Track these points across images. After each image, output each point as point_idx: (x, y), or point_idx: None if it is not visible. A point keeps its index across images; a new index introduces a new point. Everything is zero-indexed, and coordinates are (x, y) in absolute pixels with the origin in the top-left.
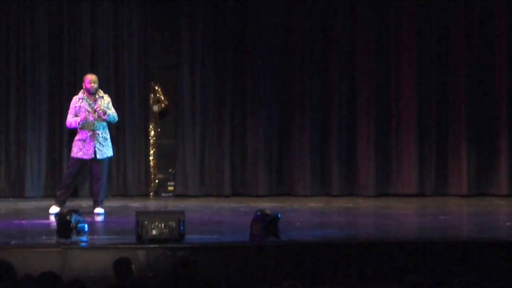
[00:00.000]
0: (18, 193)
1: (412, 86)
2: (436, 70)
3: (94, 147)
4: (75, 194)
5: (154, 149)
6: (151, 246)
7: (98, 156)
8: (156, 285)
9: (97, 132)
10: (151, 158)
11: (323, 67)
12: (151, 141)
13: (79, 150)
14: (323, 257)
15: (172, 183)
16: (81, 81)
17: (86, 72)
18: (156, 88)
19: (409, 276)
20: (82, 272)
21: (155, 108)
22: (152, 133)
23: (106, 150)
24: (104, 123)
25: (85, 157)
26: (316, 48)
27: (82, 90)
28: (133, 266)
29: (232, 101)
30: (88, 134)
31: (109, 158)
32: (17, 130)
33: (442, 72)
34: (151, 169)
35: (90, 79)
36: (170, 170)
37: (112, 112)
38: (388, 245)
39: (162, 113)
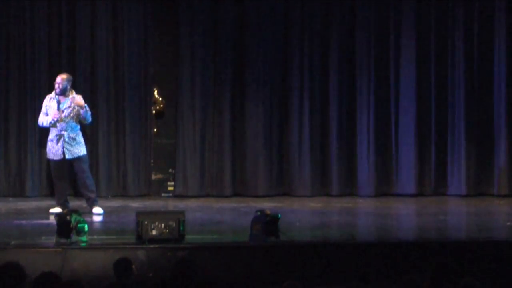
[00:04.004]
0: (18, 193)
1: (412, 86)
2: (436, 69)
3: (63, 148)
4: (74, 194)
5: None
6: (151, 246)
7: (67, 156)
8: (156, 285)
9: (63, 132)
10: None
11: (322, 67)
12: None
13: (49, 151)
14: (323, 257)
15: (172, 183)
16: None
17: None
18: (153, 89)
19: (409, 276)
20: (82, 272)
21: (152, 109)
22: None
23: (76, 150)
24: (73, 124)
25: (55, 158)
26: (316, 48)
27: (54, 90)
28: (133, 266)
29: (232, 101)
30: (55, 135)
31: (83, 157)
32: (17, 130)
33: (442, 72)
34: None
35: (57, 80)
36: (170, 170)
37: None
38: (388, 245)
39: (159, 114)
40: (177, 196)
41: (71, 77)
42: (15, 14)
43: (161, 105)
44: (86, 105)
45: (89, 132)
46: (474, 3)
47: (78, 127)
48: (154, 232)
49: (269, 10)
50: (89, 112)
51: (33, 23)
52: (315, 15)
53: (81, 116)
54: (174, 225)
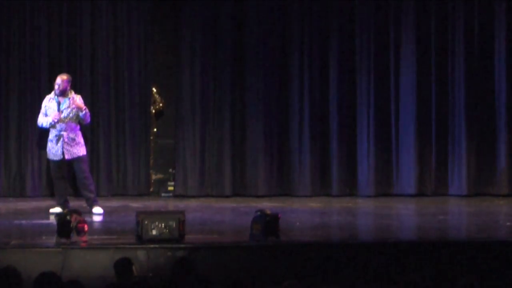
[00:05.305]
0: (19, 193)
1: (412, 86)
2: (436, 69)
3: (62, 148)
4: (74, 194)
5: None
6: (151, 246)
7: (66, 157)
8: (156, 285)
9: (63, 133)
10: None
11: (322, 67)
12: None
13: (49, 151)
14: (323, 257)
15: (172, 183)
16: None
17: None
18: (152, 88)
19: (409, 276)
20: (82, 272)
21: (151, 108)
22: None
23: (75, 150)
24: (73, 124)
25: (54, 158)
26: (315, 48)
27: (54, 90)
28: (134, 267)
29: (232, 101)
30: (55, 135)
31: (82, 157)
32: (17, 130)
33: (442, 72)
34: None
35: (57, 81)
36: (170, 170)
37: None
38: (388, 245)
39: (158, 114)
40: (177, 196)
41: (70, 78)
42: (15, 14)
43: (160, 105)
44: (85, 107)
45: (89, 132)
46: (474, 3)
47: (78, 127)
48: (154, 232)
49: (269, 10)
50: (88, 114)
51: (33, 23)
52: (314, 15)
53: (80, 117)
54: (174, 225)
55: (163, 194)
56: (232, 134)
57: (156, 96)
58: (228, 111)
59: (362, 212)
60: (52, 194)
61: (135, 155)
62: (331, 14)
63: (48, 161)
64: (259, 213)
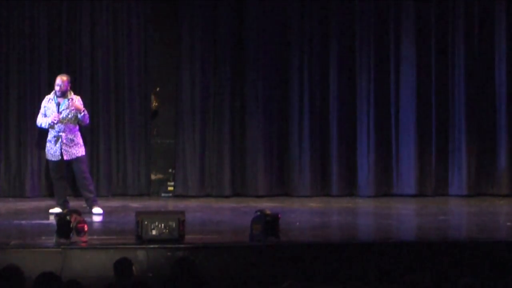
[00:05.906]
0: (18, 193)
1: (412, 86)
2: (436, 69)
3: (61, 149)
4: (74, 195)
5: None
6: (151, 246)
7: (65, 157)
8: (156, 285)
9: (61, 134)
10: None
11: (322, 67)
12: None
13: (48, 152)
14: (323, 257)
15: (172, 183)
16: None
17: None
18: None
19: (409, 276)
20: (82, 272)
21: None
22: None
23: (74, 151)
24: (71, 125)
25: (53, 158)
26: (315, 49)
27: (54, 91)
28: (133, 267)
29: (232, 101)
30: (53, 136)
31: (81, 157)
32: (17, 130)
33: (442, 72)
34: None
35: (57, 82)
36: (170, 170)
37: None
38: (388, 245)
39: (153, 114)
40: (177, 196)
41: (70, 78)
42: (15, 14)
43: (156, 104)
44: (84, 108)
45: (89, 133)
46: (474, 3)
47: (77, 128)
48: (154, 232)
49: (269, 10)
50: (86, 115)
51: (33, 23)
52: (314, 15)
53: (78, 119)
54: (174, 225)
55: (163, 194)
56: (232, 134)
57: (152, 96)
58: (228, 111)
59: (362, 212)
60: (51, 194)
61: (135, 155)
62: (331, 14)
63: (47, 161)
64: (259, 213)
